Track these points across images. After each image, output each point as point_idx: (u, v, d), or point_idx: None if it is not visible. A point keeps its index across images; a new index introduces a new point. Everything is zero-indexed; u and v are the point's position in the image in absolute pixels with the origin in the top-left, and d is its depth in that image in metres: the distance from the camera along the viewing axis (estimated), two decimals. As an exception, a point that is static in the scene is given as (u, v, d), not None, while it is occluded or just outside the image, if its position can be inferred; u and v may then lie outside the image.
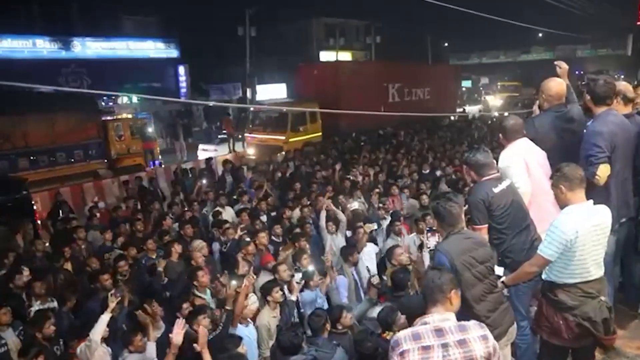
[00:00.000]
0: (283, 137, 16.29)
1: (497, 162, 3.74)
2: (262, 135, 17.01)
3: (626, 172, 3.77)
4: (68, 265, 6.55)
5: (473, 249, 3.15)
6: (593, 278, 3.08)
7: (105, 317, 4.44)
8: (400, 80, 21.43)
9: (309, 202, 8.36)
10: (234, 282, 4.76)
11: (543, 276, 3.25)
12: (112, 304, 4.52)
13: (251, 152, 16.87)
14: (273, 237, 7.11)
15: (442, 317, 2.35)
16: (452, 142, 15.72)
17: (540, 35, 42.26)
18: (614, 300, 4.07)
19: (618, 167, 3.62)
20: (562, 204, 3.15)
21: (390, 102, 20.64)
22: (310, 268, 5.58)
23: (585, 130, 3.77)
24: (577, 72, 33.18)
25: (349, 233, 7.19)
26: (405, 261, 5.67)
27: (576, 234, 2.96)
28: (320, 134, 17.69)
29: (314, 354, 3.96)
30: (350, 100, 17.55)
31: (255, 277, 5.15)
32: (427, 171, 11.16)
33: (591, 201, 3.12)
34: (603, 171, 3.43)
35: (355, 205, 8.14)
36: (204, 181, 10.63)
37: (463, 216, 3.28)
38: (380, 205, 8.06)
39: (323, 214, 7.19)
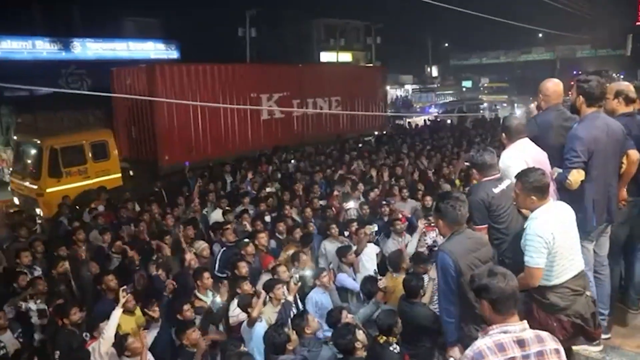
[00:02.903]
0: (36, 187, 11.05)
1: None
2: (21, 182, 11.65)
3: (609, 178, 3.72)
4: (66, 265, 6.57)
5: (476, 249, 3.16)
6: (576, 273, 3.13)
7: (117, 312, 4.48)
8: (283, 89, 15.93)
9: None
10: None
11: None
12: (123, 299, 4.53)
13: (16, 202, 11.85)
14: (277, 234, 7.22)
15: (522, 326, 2.30)
16: (455, 143, 15.67)
17: (540, 35, 42.30)
18: (614, 299, 4.08)
19: (597, 172, 3.59)
20: (528, 208, 3.18)
21: (266, 120, 15.47)
22: (309, 269, 5.62)
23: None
24: (575, 72, 33.33)
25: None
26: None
27: (552, 235, 3.01)
28: (118, 175, 12.21)
29: (305, 354, 4.01)
30: (181, 121, 12.98)
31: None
32: (432, 171, 11.17)
33: (551, 199, 3.17)
34: (575, 176, 3.44)
35: (351, 205, 8.14)
36: (200, 181, 10.59)
37: None
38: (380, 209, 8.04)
39: None
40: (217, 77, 14.11)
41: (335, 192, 9.11)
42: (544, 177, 3.11)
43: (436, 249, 5.57)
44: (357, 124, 18.87)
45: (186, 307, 4.94)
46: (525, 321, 2.34)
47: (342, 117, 18.08)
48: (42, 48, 23.65)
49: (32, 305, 5.48)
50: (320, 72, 18.82)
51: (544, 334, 2.31)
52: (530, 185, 3.08)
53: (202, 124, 13.62)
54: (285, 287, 5.34)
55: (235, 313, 5.17)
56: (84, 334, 4.84)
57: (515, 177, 3.23)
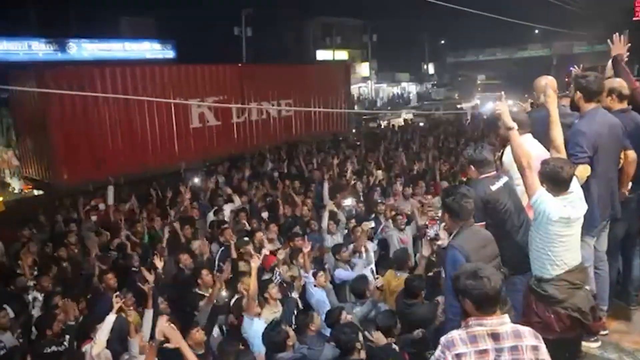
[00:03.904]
0: None
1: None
2: None
3: (611, 172, 3.74)
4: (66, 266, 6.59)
5: (485, 244, 3.17)
6: (574, 265, 3.13)
7: (111, 318, 4.45)
8: (219, 93, 13.91)
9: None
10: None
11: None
12: (117, 305, 4.53)
13: None
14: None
15: (499, 320, 2.30)
16: (453, 139, 15.65)
17: (536, 32, 42.28)
18: (611, 294, 4.09)
19: (601, 167, 3.60)
20: None
21: (197, 128, 13.41)
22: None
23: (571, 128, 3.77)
24: (571, 69, 33.37)
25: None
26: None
27: (568, 218, 3.01)
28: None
29: (304, 352, 4.00)
30: (84, 131, 11.01)
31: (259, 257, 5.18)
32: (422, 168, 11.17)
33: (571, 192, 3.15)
34: (582, 172, 3.44)
35: (348, 202, 8.17)
36: (196, 180, 10.58)
37: None
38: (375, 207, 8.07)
39: (326, 215, 7.17)
40: (130, 81, 11.91)
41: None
42: (562, 171, 3.02)
43: (439, 242, 5.58)
44: (314, 127, 17.19)
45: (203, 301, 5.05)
46: (506, 315, 2.34)
47: (294, 121, 16.43)
48: (38, 49, 23.51)
49: (39, 295, 5.57)
50: (266, 73, 15.92)
51: (525, 330, 2.31)
52: (544, 171, 3.08)
53: (112, 134, 11.51)
54: (291, 285, 5.37)
55: None
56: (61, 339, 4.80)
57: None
